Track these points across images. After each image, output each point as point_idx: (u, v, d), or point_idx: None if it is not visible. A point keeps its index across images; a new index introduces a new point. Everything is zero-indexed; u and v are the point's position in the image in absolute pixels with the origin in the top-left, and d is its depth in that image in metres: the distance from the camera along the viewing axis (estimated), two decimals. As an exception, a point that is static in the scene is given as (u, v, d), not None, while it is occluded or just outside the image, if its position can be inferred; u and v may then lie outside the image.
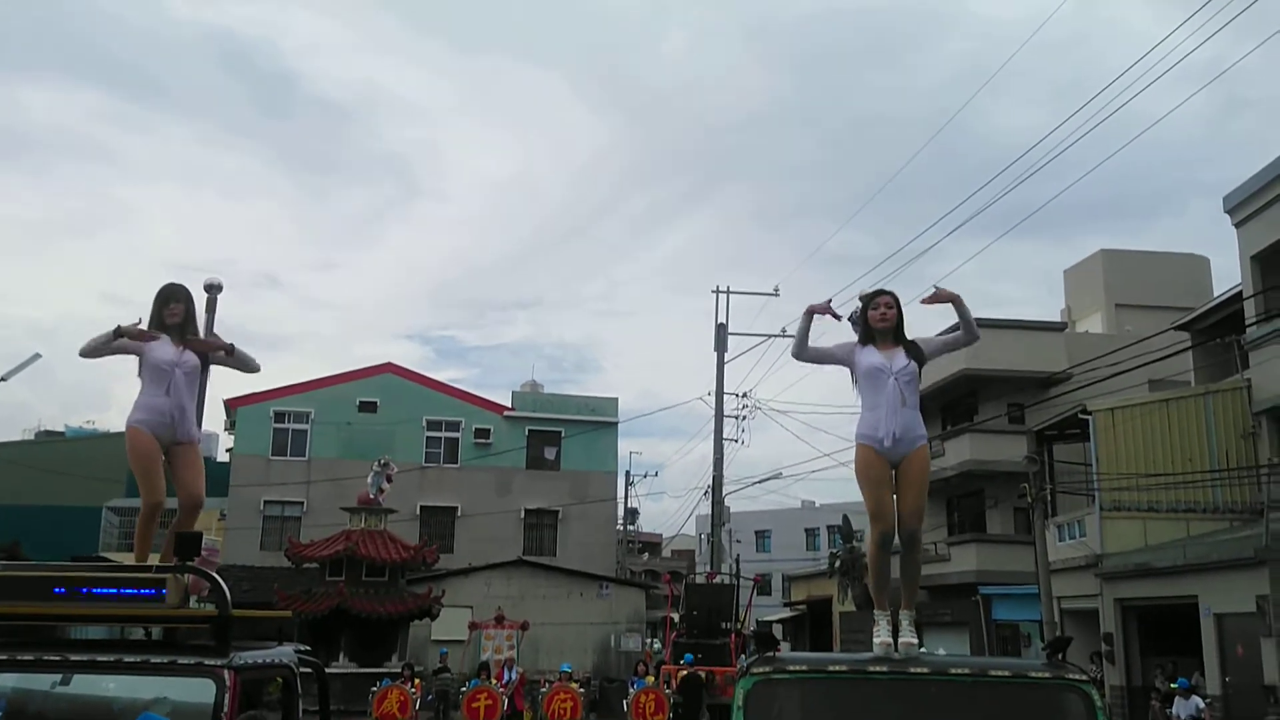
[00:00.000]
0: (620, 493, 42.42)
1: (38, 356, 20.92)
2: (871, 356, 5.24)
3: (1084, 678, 4.44)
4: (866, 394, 5.21)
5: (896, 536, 5.12)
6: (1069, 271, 35.36)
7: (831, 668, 4.61)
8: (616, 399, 40.50)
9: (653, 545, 68.37)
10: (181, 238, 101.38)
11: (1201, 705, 16.80)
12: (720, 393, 31.77)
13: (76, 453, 41.36)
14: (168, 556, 5.27)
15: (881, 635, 4.81)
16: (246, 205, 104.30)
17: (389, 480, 26.82)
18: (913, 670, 4.48)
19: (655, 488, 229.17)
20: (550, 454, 38.83)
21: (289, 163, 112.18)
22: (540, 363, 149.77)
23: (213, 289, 10.41)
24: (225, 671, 4.20)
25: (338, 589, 23.98)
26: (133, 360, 5.67)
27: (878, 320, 5.29)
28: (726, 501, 32.83)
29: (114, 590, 4.44)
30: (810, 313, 5.42)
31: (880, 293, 5.42)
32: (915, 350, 5.28)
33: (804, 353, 5.41)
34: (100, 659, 4.34)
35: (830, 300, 5.52)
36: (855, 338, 5.41)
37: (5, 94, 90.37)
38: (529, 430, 38.67)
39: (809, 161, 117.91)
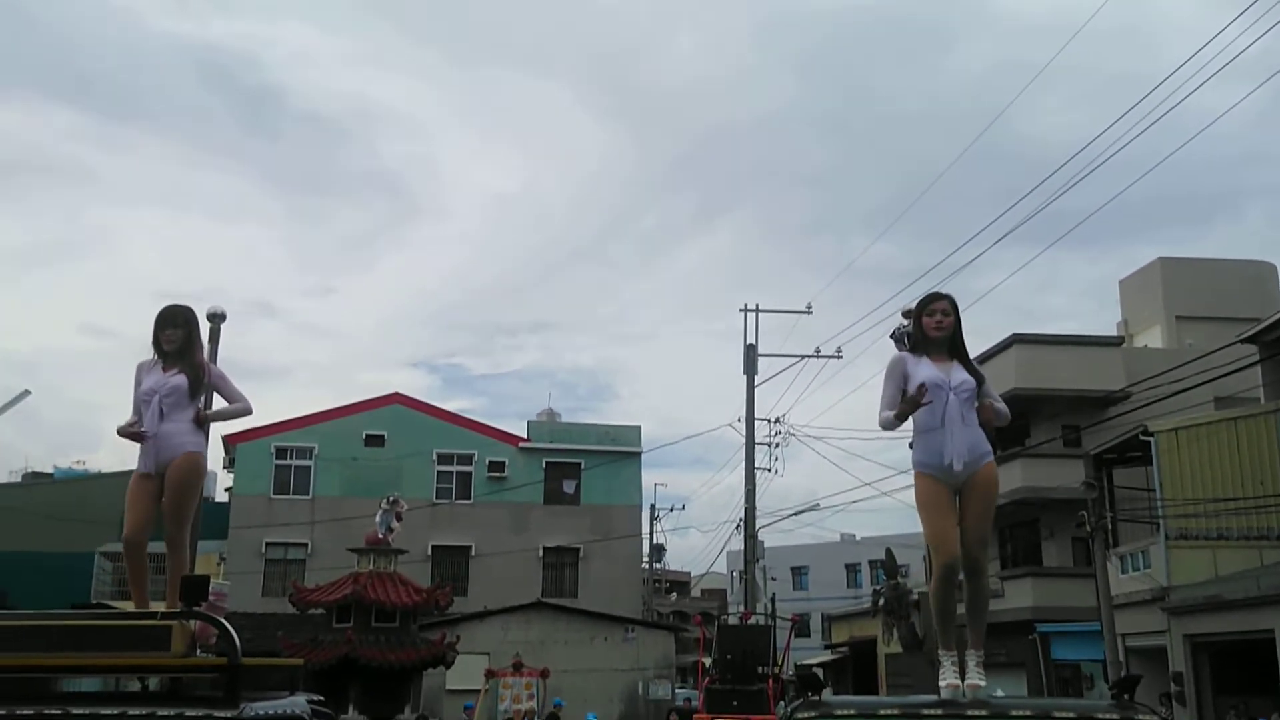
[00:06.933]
0: (645, 528, 42.33)
1: (27, 393, 21.16)
2: (926, 370, 5.04)
3: (1156, 719, 4.41)
4: (922, 413, 5.04)
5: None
6: (1125, 282, 35.20)
7: (882, 711, 4.60)
8: (639, 427, 40.53)
9: (681, 584, 68.16)
10: (166, 264, 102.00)
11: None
12: (751, 418, 31.75)
13: (66, 495, 41.61)
14: (172, 603, 5.34)
15: (948, 677, 4.77)
16: (235, 229, 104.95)
17: (398, 519, 26.81)
18: (970, 713, 4.46)
19: (681, 522, 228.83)
20: (569, 487, 38.83)
21: (278, 183, 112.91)
22: (553, 390, 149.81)
23: (216, 318, 10.63)
24: (236, 724, 4.23)
25: (345, 636, 23.94)
26: (126, 396, 5.87)
27: (933, 328, 5.12)
28: (760, 536, 32.75)
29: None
30: (916, 403, 5.00)
31: (936, 297, 5.24)
32: (974, 367, 5.15)
33: (895, 424, 5.18)
34: (104, 712, 4.37)
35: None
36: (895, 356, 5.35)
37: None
38: (546, 462, 38.70)
39: (833, 170, 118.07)
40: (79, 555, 35.13)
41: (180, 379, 5.72)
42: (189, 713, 4.30)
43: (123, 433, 5.75)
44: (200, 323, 6.31)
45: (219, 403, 6.35)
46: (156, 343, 5.84)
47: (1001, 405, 5.35)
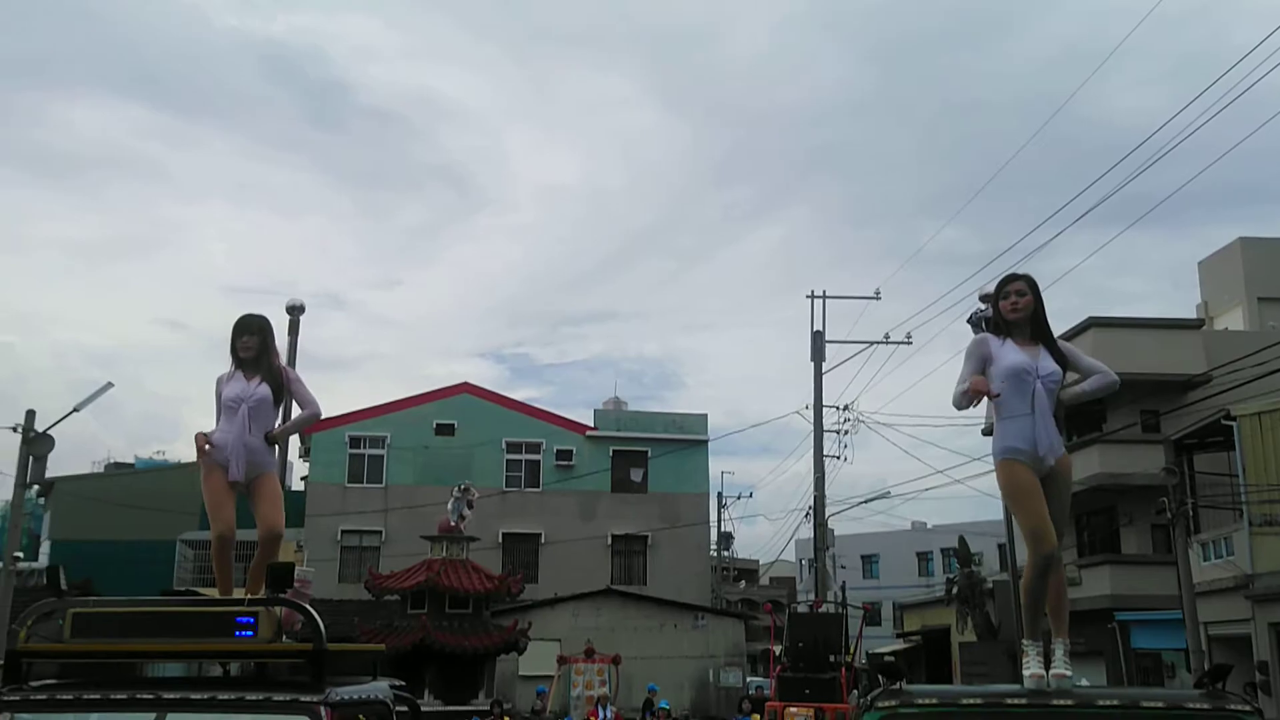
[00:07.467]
0: (713, 516, 42.34)
1: (110, 385, 21.63)
2: (1012, 354, 4.93)
3: (1248, 709, 4.30)
4: (1008, 398, 4.92)
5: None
6: (1204, 263, 34.39)
7: (965, 701, 4.54)
8: (706, 415, 40.53)
9: (749, 572, 68.00)
10: (237, 258, 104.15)
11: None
12: (819, 405, 31.52)
13: (147, 485, 42.70)
14: (253, 590, 5.47)
15: (1032, 666, 4.70)
16: (302, 222, 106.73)
17: (470, 506, 27.10)
18: (1055, 703, 4.40)
19: (749, 510, 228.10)
20: (637, 475, 38.96)
21: (343, 176, 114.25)
22: (620, 379, 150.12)
23: (295, 310, 10.83)
24: (322, 708, 4.31)
25: (420, 622, 24.27)
26: (209, 389, 6.07)
27: (1009, 310, 5.01)
28: (829, 523, 32.53)
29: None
30: (981, 395, 4.91)
31: (1013, 278, 5.13)
32: (1060, 354, 5.03)
33: (963, 404, 5.05)
34: (194, 697, 4.48)
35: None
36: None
37: (54, 113, 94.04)
38: (613, 450, 38.86)
39: (901, 155, 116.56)
40: (160, 544, 36.03)
41: (265, 389, 5.92)
42: (276, 697, 4.39)
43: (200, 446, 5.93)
44: (276, 324, 6.49)
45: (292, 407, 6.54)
46: (234, 350, 5.99)
47: (1104, 374, 5.18)
